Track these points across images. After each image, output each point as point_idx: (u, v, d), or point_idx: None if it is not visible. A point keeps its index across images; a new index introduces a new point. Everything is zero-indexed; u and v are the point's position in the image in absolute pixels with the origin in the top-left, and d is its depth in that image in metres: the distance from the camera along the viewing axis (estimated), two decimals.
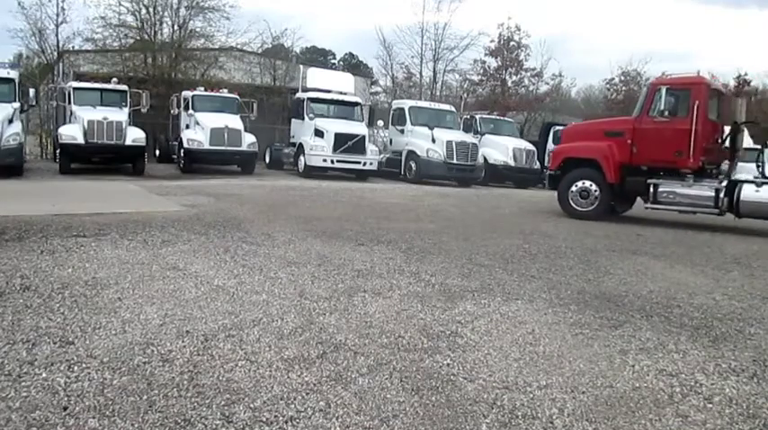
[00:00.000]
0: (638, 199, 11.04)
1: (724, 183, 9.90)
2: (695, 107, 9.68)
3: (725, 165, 10.60)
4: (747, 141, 22.46)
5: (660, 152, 10.05)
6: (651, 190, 10.17)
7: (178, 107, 18.39)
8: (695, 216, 10.45)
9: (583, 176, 10.76)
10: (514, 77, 32.46)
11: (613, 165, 10.42)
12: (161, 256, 5.40)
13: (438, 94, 31.12)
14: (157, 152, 20.65)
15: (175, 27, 22.90)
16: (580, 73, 62.57)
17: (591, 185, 10.68)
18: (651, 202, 10.28)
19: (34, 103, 16.33)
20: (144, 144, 15.47)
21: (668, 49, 61.95)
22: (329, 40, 71.67)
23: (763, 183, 9.79)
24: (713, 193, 9.81)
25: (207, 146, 16.25)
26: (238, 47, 24.92)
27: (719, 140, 10.57)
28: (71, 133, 14.60)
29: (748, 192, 9.67)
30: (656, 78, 10.84)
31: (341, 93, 19.15)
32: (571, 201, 10.84)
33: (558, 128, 20.92)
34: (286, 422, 2.53)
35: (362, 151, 17.26)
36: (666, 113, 9.95)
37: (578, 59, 64.06)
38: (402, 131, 18.96)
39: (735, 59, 77.28)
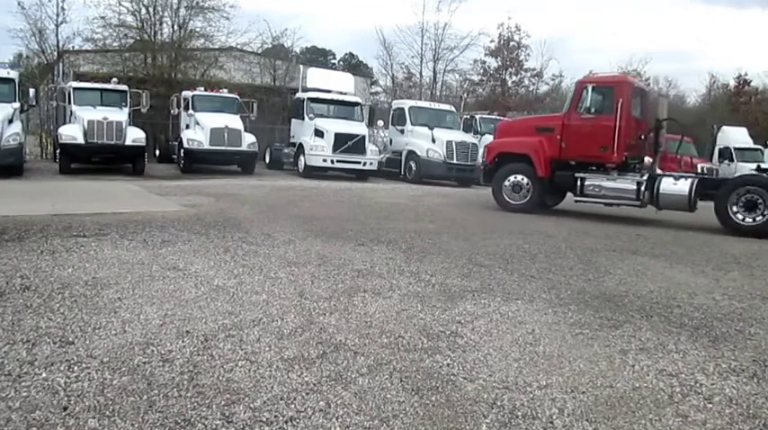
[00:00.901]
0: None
1: (645, 177, 10.31)
2: (619, 105, 10.10)
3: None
4: (747, 141, 22.55)
5: (587, 147, 10.48)
6: (579, 183, 10.60)
7: (178, 107, 18.39)
8: (694, 215, 10.47)
9: (515, 171, 11.14)
10: (514, 77, 32.53)
11: (544, 160, 10.85)
12: (161, 256, 5.40)
13: (438, 94, 31.14)
14: (157, 152, 20.65)
15: (175, 27, 22.91)
16: (580, 73, 62.37)
17: (523, 179, 11.06)
18: (579, 195, 10.71)
19: (34, 103, 16.33)
20: (144, 144, 15.46)
21: (669, 49, 62.02)
22: (329, 40, 71.68)
23: (681, 177, 10.25)
24: (635, 187, 10.24)
25: (207, 146, 16.24)
26: (238, 47, 24.92)
27: (642, 137, 10.98)
28: (71, 133, 14.60)
29: (666, 186, 10.10)
30: (583, 77, 11.38)
31: (341, 93, 19.14)
32: (505, 195, 11.23)
33: None
34: (286, 422, 2.53)
35: (362, 151, 17.26)
36: (592, 110, 10.42)
37: (579, 59, 63.95)
38: (402, 131, 18.96)
39: (736, 60, 77.37)
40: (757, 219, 9.38)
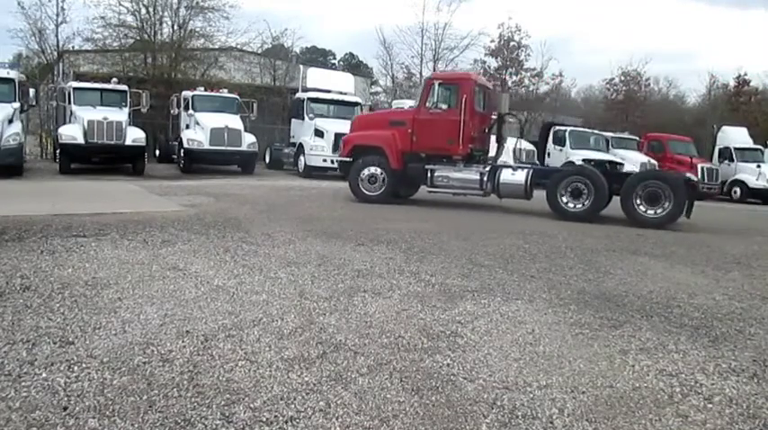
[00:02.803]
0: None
1: (487, 168, 10.95)
2: (463, 100, 10.63)
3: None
4: (747, 141, 22.51)
5: (435, 140, 10.97)
6: (429, 175, 11.05)
7: (178, 107, 18.40)
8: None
9: (371, 163, 11.49)
10: (514, 77, 32.47)
11: (396, 153, 11.27)
12: (161, 256, 5.40)
13: None
14: (157, 152, 20.66)
15: (175, 27, 22.92)
16: (581, 73, 62.47)
17: (378, 171, 11.42)
18: (430, 186, 11.21)
19: (34, 103, 16.34)
20: (144, 144, 15.47)
21: (671, 49, 62.14)
22: (329, 40, 71.64)
23: (518, 168, 11.04)
24: (478, 177, 10.87)
25: (207, 146, 16.26)
26: (238, 47, 24.93)
27: (486, 130, 11.71)
28: (71, 133, 14.61)
29: (505, 176, 10.82)
30: (432, 74, 11.68)
31: (341, 93, 19.14)
32: (361, 187, 11.54)
33: (558, 128, 20.92)
34: (286, 422, 2.53)
35: None
36: (440, 105, 10.91)
37: (580, 59, 64.08)
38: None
39: (736, 60, 77.34)
40: (583, 205, 10.25)
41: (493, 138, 11.97)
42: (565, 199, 10.36)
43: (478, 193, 10.92)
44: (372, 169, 11.39)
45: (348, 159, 11.76)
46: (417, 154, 11.16)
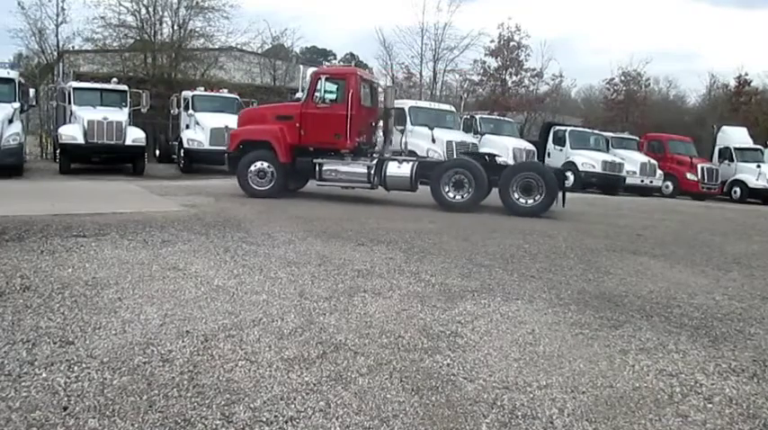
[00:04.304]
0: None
1: (374, 162, 11.10)
2: (349, 95, 10.73)
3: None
4: (747, 141, 22.50)
5: (323, 134, 11.01)
6: (317, 169, 11.12)
7: (178, 107, 18.39)
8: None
9: (259, 158, 11.37)
10: (514, 77, 32.41)
11: (285, 147, 11.19)
12: (161, 256, 5.40)
13: (438, 94, 31.06)
14: (157, 152, 20.65)
15: (175, 27, 22.88)
16: (581, 73, 62.53)
17: (267, 166, 11.33)
18: (319, 180, 11.23)
19: (34, 103, 16.33)
20: (144, 144, 15.47)
21: (671, 49, 62.17)
22: (329, 40, 71.79)
23: (403, 161, 11.16)
24: (366, 170, 11.00)
25: (207, 146, 16.25)
26: (238, 47, 24.93)
27: (373, 124, 11.96)
28: (71, 133, 14.60)
29: (392, 169, 11.00)
30: (318, 68, 12.15)
31: None
32: (250, 182, 11.41)
33: (558, 128, 20.91)
34: (286, 422, 2.53)
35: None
36: (326, 100, 11.03)
37: (580, 59, 64.11)
38: (402, 131, 18.93)
39: (737, 60, 77.31)
40: (465, 196, 10.63)
41: (380, 131, 12.13)
42: (448, 191, 10.68)
43: (366, 186, 11.06)
44: (261, 164, 11.26)
45: (235, 154, 11.59)
46: (306, 148, 11.16)
